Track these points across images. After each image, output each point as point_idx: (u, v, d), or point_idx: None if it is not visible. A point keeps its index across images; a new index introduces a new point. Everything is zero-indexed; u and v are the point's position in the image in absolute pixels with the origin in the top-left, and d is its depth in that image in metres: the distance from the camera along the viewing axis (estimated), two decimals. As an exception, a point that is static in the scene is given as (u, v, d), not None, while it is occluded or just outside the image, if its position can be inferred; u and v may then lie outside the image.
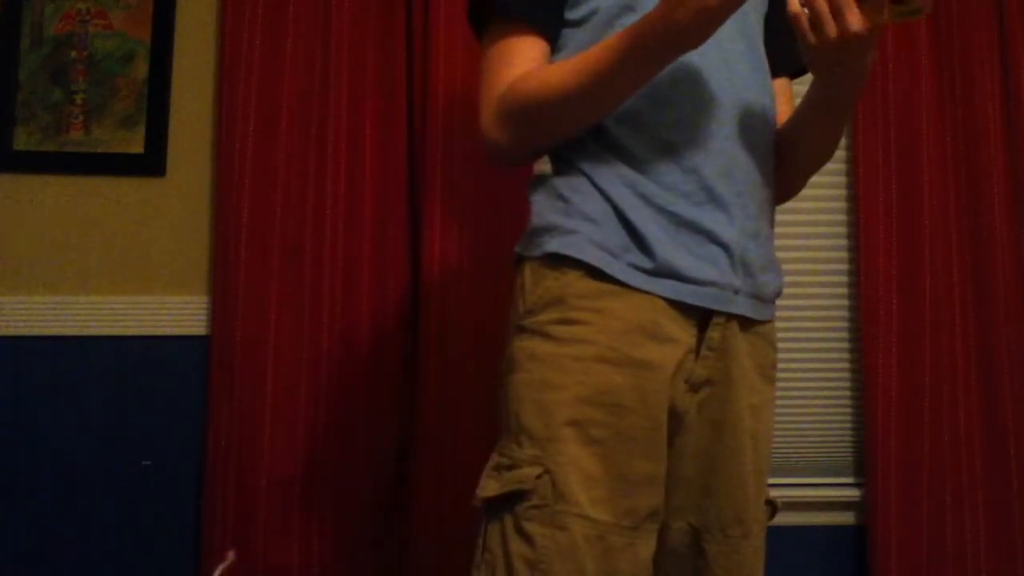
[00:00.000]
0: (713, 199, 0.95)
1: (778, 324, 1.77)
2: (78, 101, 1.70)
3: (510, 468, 0.91)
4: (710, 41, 0.89)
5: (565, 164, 1.00)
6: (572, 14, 1.01)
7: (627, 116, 0.96)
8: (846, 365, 1.82)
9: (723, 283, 0.96)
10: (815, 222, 1.84)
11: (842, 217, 1.83)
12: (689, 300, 0.94)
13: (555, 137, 0.99)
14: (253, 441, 1.61)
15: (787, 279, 1.78)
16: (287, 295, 1.64)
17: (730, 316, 0.97)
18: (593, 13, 0.99)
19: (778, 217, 1.78)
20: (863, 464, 1.77)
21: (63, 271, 1.69)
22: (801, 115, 1.04)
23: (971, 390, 1.72)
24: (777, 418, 1.78)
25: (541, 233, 0.98)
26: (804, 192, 1.77)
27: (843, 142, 1.83)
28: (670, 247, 0.93)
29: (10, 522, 1.63)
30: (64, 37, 1.71)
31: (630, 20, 0.90)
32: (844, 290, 1.83)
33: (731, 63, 1.00)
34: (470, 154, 1.62)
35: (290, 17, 1.68)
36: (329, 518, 1.63)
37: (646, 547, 0.92)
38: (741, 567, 0.98)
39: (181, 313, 1.69)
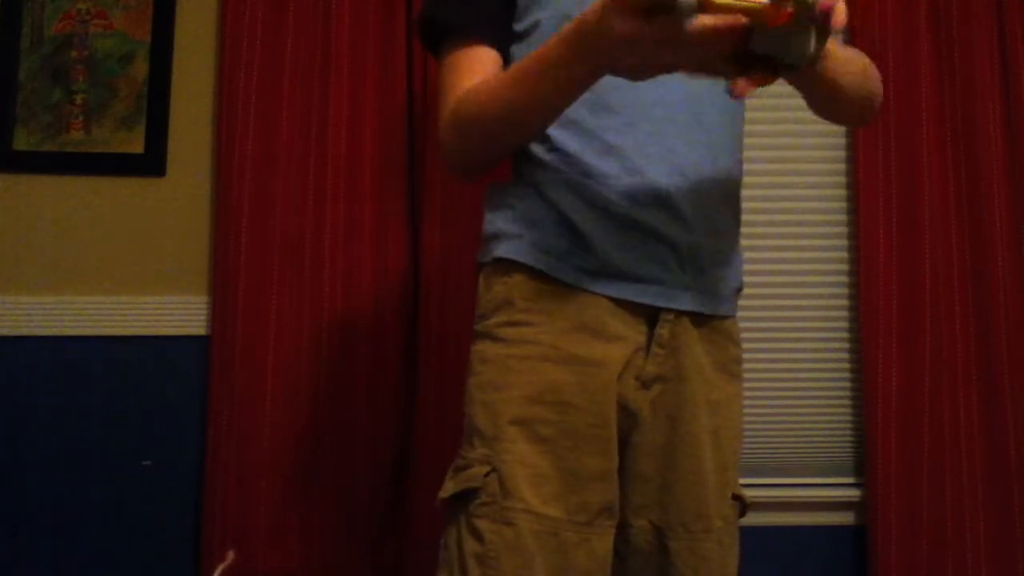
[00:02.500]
0: (659, 199, 0.95)
1: (778, 324, 1.81)
2: (78, 101, 1.70)
3: (464, 468, 0.94)
4: None
5: (516, 172, 1.02)
6: (518, 26, 1.02)
7: (570, 122, 0.96)
8: (846, 365, 1.82)
9: (669, 280, 0.96)
10: (815, 222, 1.84)
11: (842, 217, 1.83)
12: (634, 298, 0.95)
13: (503, 147, 1.00)
14: (253, 441, 1.61)
15: (787, 279, 1.83)
16: (287, 295, 1.65)
17: (680, 313, 0.97)
18: (535, 26, 0.99)
19: (778, 217, 1.82)
20: (863, 464, 1.77)
21: (63, 271, 1.69)
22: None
23: (971, 390, 1.72)
24: (777, 418, 1.81)
25: (491, 240, 1.01)
26: (804, 192, 1.82)
27: (843, 142, 1.83)
28: (613, 247, 0.95)
29: (10, 522, 1.63)
30: (64, 37, 1.71)
31: None
32: (844, 290, 1.82)
33: None
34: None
35: (290, 17, 1.68)
36: (329, 518, 1.62)
37: (602, 543, 0.93)
38: (705, 561, 0.98)
39: (181, 313, 1.69)
